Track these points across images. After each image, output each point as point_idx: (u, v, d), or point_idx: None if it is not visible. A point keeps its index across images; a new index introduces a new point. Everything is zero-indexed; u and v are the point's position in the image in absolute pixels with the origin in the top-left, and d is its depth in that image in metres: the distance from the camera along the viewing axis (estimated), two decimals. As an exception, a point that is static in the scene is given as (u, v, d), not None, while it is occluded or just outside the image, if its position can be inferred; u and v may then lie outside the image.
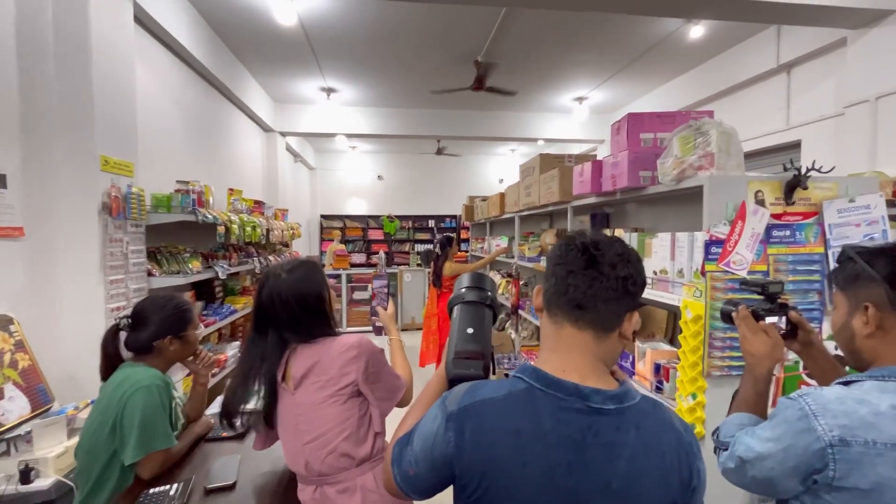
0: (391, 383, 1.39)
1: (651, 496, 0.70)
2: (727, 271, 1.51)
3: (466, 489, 0.73)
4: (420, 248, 10.28)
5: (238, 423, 1.40)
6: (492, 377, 0.90)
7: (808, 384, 1.43)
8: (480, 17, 4.22)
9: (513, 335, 4.09)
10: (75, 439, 1.57)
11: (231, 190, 3.78)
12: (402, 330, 6.98)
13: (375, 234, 10.76)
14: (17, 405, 1.89)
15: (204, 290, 3.36)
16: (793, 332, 1.07)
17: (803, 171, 1.51)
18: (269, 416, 1.38)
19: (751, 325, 1.03)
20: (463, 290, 1.05)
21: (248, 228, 3.49)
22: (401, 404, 1.41)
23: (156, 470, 1.44)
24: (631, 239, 1.96)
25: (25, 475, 1.66)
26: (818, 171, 1.51)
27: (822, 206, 1.57)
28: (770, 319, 1.04)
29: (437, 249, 4.54)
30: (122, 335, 1.56)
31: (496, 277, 4.70)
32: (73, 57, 2.31)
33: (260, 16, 4.15)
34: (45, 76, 2.25)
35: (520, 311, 3.92)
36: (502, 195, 4.34)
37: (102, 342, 1.54)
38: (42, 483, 1.68)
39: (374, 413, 1.37)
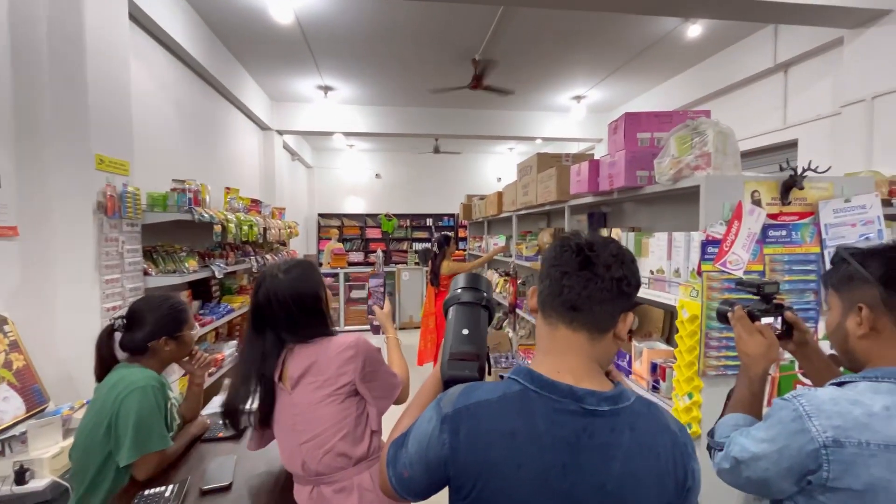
0: (388, 382, 1.40)
1: (646, 497, 0.70)
2: (723, 271, 1.52)
3: (461, 491, 0.73)
4: (418, 246, 10.29)
5: (241, 423, 1.41)
6: (488, 378, 0.90)
7: (804, 384, 1.44)
8: (478, 16, 4.22)
9: (510, 334, 4.09)
10: (70, 440, 1.56)
11: (228, 188, 3.76)
12: (400, 328, 6.99)
13: (373, 233, 10.75)
14: (11, 405, 1.88)
15: (201, 290, 3.35)
16: (788, 333, 1.07)
17: (799, 171, 1.52)
18: (265, 416, 1.38)
19: (746, 326, 1.04)
20: (458, 290, 1.04)
21: (245, 227, 3.48)
22: (397, 402, 1.42)
23: (151, 471, 1.43)
24: (628, 238, 1.97)
25: (20, 476, 1.65)
26: (814, 171, 1.51)
27: (818, 206, 1.57)
28: (766, 320, 1.05)
29: (435, 248, 4.55)
30: (118, 336, 1.56)
31: (494, 276, 4.70)
32: (68, 54, 2.29)
33: (256, 13, 4.13)
34: (39, 74, 2.23)
35: (517, 310, 3.92)
36: (500, 194, 4.35)
37: (97, 343, 1.53)
38: (37, 484, 1.67)
39: (370, 411, 1.37)
